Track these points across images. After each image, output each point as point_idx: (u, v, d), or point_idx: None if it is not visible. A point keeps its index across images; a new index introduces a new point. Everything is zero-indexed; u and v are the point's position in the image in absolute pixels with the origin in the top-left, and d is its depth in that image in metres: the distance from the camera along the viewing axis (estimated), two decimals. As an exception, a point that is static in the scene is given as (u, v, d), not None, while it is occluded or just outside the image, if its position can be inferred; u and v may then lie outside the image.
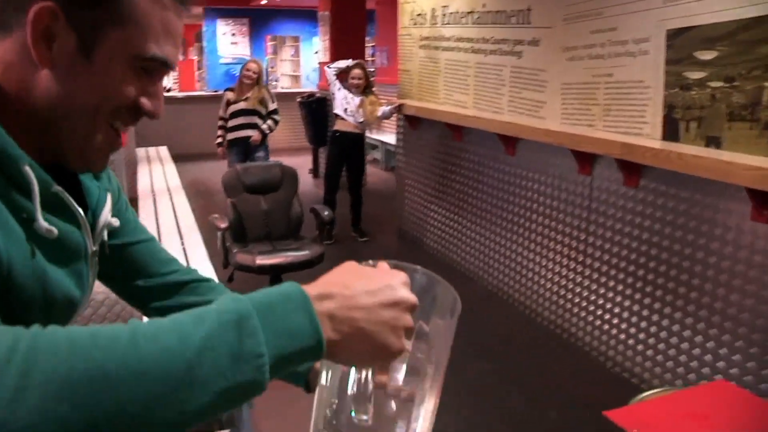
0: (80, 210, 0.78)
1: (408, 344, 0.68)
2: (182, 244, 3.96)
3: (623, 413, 1.54)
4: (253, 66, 5.98)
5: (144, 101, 0.76)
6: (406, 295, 0.67)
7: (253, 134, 6.01)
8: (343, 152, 6.11)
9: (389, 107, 5.87)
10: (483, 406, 3.26)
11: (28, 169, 0.69)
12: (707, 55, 2.93)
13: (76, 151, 0.75)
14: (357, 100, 5.90)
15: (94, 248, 0.84)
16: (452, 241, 5.31)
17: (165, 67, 0.76)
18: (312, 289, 0.63)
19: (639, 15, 3.23)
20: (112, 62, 0.71)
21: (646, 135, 3.28)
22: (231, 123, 6.04)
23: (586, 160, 3.68)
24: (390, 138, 8.93)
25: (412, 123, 5.78)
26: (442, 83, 5.22)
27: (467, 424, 3.08)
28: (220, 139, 6.15)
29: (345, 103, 5.97)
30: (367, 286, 0.65)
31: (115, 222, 0.91)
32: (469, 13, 4.74)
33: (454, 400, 3.28)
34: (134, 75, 0.73)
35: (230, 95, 6.03)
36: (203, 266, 3.46)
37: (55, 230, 0.71)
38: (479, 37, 4.64)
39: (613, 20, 3.40)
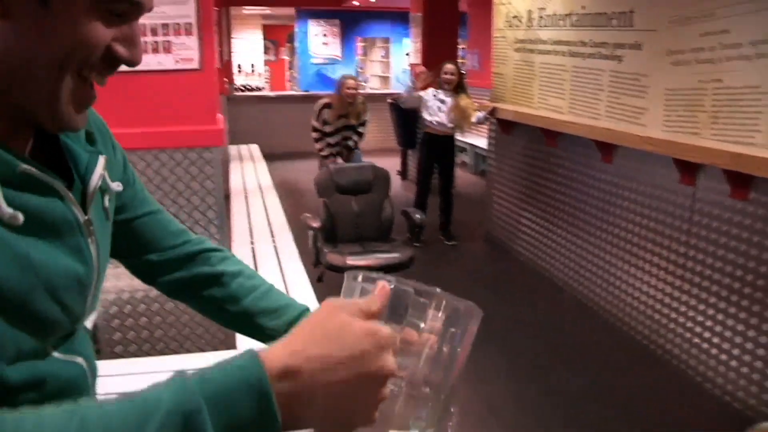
0: (58, 182, 0.72)
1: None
2: (273, 242, 4.02)
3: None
4: (352, 83, 5.98)
5: (118, 47, 0.68)
6: (382, 365, 0.61)
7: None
8: (433, 154, 6.07)
9: (483, 113, 5.78)
10: (572, 420, 3.15)
11: None
12: (832, 61, 2.73)
13: (45, 109, 0.68)
14: (449, 101, 5.82)
15: (87, 217, 0.77)
16: (542, 248, 5.18)
17: (135, 6, 0.68)
18: (275, 360, 0.58)
19: (758, 15, 3.04)
20: (73, 7, 0.64)
21: (759, 145, 3.09)
22: (331, 140, 6.06)
23: (689, 169, 3.50)
24: (479, 141, 8.83)
25: (504, 127, 5.69)
26: (537, 87, 5.10)
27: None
28: (326, 152, 6.12)
29: (435, 108, 5.88)
30: (339, 353, 0.59)
31: (117, 186, 0.86)
32: (567, 15, 4.61)
33: (542, 411, 3.19)
34: (101, 19, 0.66)
35: (329, 114, 6.01)
36: (294, 265, 3.49)
37: (20, 216, 0.64)
38: (577, 40, 4.51)
39: (726, 22, 3.21)
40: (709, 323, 3.44)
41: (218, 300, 1.02)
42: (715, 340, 3.39)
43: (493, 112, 5.66)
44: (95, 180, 0.79)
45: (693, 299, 3.54)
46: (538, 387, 3.45)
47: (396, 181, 8.59)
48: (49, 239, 0.70)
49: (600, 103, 4.27)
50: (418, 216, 4.41)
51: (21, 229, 0.65)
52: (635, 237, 4.01)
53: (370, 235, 4.31)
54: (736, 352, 3.26)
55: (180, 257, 1.02)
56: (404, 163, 9.10)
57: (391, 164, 8.56)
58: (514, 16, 5.38)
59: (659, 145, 3.60)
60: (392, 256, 4.03)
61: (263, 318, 1.01)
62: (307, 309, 1.02)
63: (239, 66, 16.34)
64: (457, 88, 5.84)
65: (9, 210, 0.63)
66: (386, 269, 4.00)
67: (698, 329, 3.51)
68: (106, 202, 0.85)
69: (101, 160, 0.82)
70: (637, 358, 3.84)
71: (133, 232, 0.98)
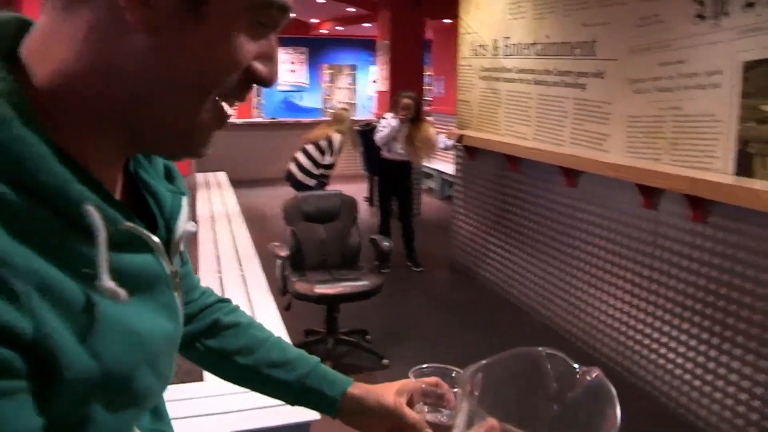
0: (154, 237, 0.62)
1: None
2: (241, 270, 3.99)
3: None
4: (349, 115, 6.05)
5: (257, 65, 0.59)
6: None
7: None
8: (390, 181, 6.13)
9: (451, 141, 5.82)
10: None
11: (91, 209, 0.53)
12: (785, 89, 2.84)
13: (178, 135, 0.60)
14: (404, 131, 5.83)
15: (174, 268, 0.68)
16: (508, 273, 5.23)
17: (283, 14, 0.59)
18: None
19: (711, 48, 3.15)
20: (227, 18, 0.55)
21: (715, 170, 3.19)
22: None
23: (650, 194, 3.59)
24: (445, 167, 8.92)
25: (470, 153, 5.75)
26: (502, 114, 5.19)
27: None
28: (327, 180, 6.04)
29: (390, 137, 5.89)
30: None
31: (193, 227, 0.76)
32: (531, 44, 4.72)
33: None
34: (249, 32, 0.57)
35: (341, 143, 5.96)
36: (262, 294, 3.48)
37: (122, 293, 0.54)
38: (542, 69, 4.61)
39: (682, 53, 3.33)
40: (673, 344, 3.50)
41: (228, 351, 0.97)
42: (679, 360, 3.45)
43: (461, 139, 5.72)
44: (182, 225, 0.69)
45: (658, 321, 3.60)
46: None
47: (363, 207, 8.62)
48: (147, 302, 0.62)
49: (564, 130, 4.36)
50: (386, 243, 4.41)
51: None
52: (600, 261, 4.08)
53: (337, 263, 4.29)
54: (699, 371, 3.32)
55: (198, 310, 0.98)
56: (371, 190, 9.14)
57: (357, 191, 8.59)
58: (480, 45, 5.48)
59: (622, 171, 3.68)
60: (361, 284, 4.02)
61: (276, 370, 0.96)
62: (319, 362, 0.99)
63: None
64: (414, 118, 5.80)
65: (111, 285, 0.53)
66: (354, 297, 4.00)
67: (662, 350, 3.57)
68: (181, 245, 0.75)
69: (185, 202, 0.71)
70: (604, 380, 3.87)
71: None
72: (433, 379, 0.79)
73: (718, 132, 3.16)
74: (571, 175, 4.29)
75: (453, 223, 6.24)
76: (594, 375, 0.72)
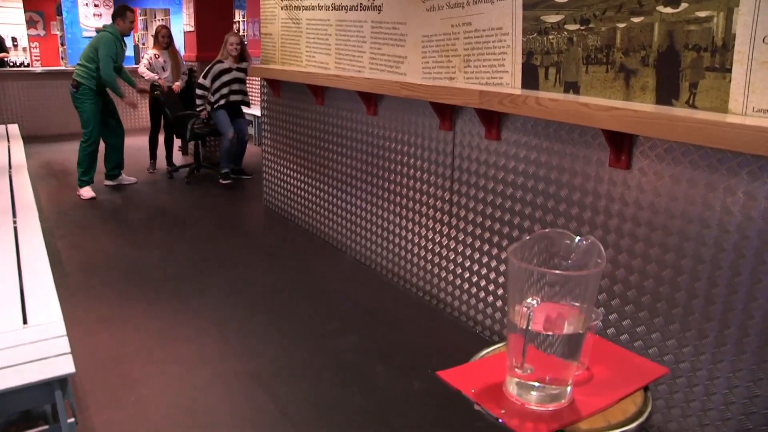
0: None
1: None
2: (15, 222, 3.56)
3: (457, 373, 1.33)
4: None
5: None
6: None
7: None
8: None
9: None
10: (345, 380, 3.02)
11: None
12: (563, -3, 2.79)
13: None
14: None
15: None
16: (319, 211, 5.03)
17: None
18: None
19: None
20: None
21: (506, 84, 3.12)
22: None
23: (446, 115, 3.48)
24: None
25: (275, 89, 5.43)
26: (304, 45, 4.90)
27: (327, 401, 2.83)
28: None
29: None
30: None
31: None
32: (327, -34, 4.45)
33: (315, 376, 3.02)
34: None
35: None
36: (33, 245, 3.15)
37: None
38: (339, -9, 4.36)
39: (469, -37, 3.21)
40: (475, 267, 3.46)
41: None
42: (482, 283, 3.42)
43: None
44: None
45: (459, 245, 3.55)
46: (314, 351, 3.28)
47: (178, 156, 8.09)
48: None
49: (363, 56, 4.17)
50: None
51: None
52: (404, 188, 3.96)
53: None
54: (500, 292, 3.30)
55: None
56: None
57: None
58: (278, -29, 5.14)
59: (415, 90, 3.51)
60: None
61: None
62: None
63: (-4, 41, 14.55)
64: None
65: None
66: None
67: (466, 274, 3.53)
68: None
69: None
70: (412, 311, 3.80)
71: None
72: None
73: (506, 45, 3.09)
74: (372, 102, 4.10)
75: (264, 164, 5.92)
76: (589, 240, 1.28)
